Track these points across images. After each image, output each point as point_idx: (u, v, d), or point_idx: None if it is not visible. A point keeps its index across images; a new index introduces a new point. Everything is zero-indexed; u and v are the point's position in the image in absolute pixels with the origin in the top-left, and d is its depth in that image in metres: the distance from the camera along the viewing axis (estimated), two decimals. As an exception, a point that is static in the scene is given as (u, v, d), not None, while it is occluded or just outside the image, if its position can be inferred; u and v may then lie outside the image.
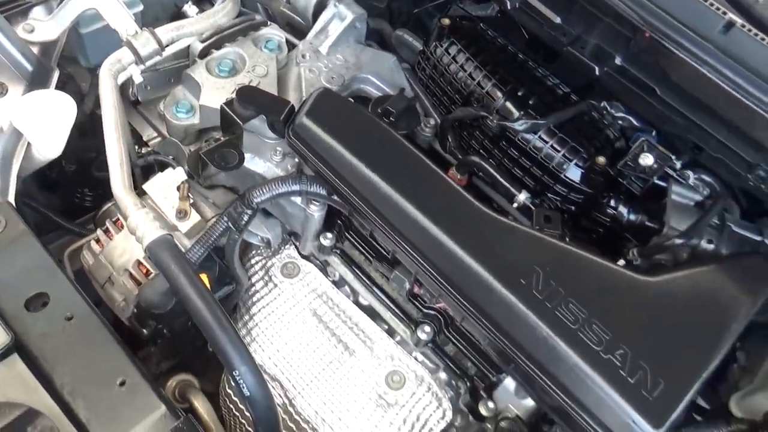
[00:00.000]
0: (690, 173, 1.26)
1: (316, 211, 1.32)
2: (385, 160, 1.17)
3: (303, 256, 1.47)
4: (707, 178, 1.28)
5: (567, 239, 1.12)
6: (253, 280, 1.45)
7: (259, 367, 1.01)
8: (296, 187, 1.24)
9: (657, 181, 1.31)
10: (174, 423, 0.89)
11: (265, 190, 1.22)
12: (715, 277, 1.08)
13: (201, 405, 1.38)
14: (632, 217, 1.30)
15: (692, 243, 1.23)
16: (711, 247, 1.22)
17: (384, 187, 1.13)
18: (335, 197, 1.25)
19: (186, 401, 1.34)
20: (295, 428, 1.32)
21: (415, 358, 1.38)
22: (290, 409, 1.33)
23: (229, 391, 1.41)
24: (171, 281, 1.02)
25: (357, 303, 1.45)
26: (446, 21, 1.39)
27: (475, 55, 1.36)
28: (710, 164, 1.28)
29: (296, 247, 1.47)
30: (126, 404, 0.93)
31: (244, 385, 0.96)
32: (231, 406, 1.41)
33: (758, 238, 1.27)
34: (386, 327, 1.42)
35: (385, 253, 1.27)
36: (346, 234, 1.38)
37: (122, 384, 0.93)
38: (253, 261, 1.48)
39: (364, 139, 1.19)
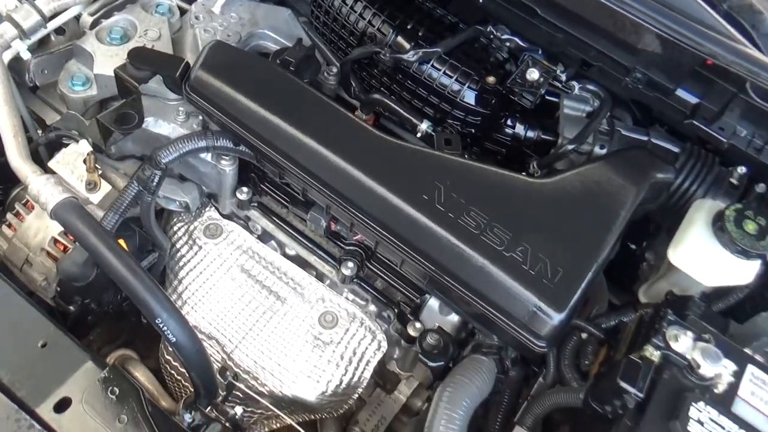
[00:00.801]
0: (575, 83, 1.33)
1: (228, 166, 1.34)
2: (283, 101, 1.19)
3: (225, 216, 1.49)
4: (592, 87, 1.35)
5: (466, 156, 1.18)
6: (178, 245, 1.46)
7: (182, 314, 1.03)
8: (202, 143, 1.25)
9: (550, 97, 1.39)
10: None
11: (171, 149, 1.23)
12: (601, 171, 1.16)
13: (141, 373, 1.39)
14: (530, 133, 1.37)
15: (585, 149, 1.32)
16: (603, 151, 1.30)
17: (286, 128, 1.16)
18: (243, 148, 1.27)
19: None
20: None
21: (347, 298, 1.43)
22: (229, 363, 1.36)
23: (168, 357, 1.43)
24: (81, 240, 1.03)
25: (285, 254, 1.48)
26: (332, -34, 1.42)
27: (364, -6, 1.39)
28: (594, 75, 1.36)
29: (217, 208, 1.49)
30: (51, 363, 0.94)
31: (169, 331, 0.98)
32: (172, 372, 1.43)
33: (645, 138, 1.37)
34: (315, 272, 1.46)
35: (298, 195, 1.30)
36: (261, 186, 1.40)
37: (44, 345, 0.94)
38: (175, 228, 1.49)
39: (262, 85, 1.21)
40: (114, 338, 1.61)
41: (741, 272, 1.14)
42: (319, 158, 1.14)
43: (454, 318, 1.27)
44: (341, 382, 1.36)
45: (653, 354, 0.97)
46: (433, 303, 1.27)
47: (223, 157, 1.33)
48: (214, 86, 1.21)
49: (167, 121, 1.33)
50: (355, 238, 1.29)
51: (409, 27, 1.34)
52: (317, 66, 1.44)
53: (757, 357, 1.06)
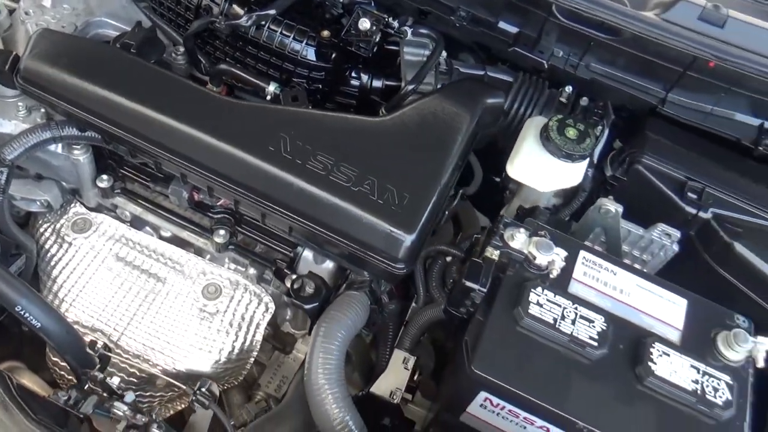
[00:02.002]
0: (407, 29, 1.41)
1: (81, 156, 1.33)
2: (120, 78, 1.20)
3: (92, 209, 1.47)
4: (425, 31, 1.44)
5: (309, 107, 1.24)
6: (47, 246, 1.44)
7: (43, 298, 1.02)
8: (47, 134, 1.24)
9: (392, 47, 1.47)
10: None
11: (15, 145, 1.21)
12: (435, 102, 1.25)
13: (29, 379, 1.37)
14: (375, 82, 1.44)
15: (428, 90, 1.40)
16: (444, 89, 1.40)
17: (126, 104, 1.17)
18: (90, 133, 1.27)
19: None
20: (128, 367, 1.36)
21: (229, 268, 1.46)
22: (118, 350, 1.36)
23: (54, 358, 1.41)
24: None
25: (161, 237, 1.49)
26: (158, -56, 1.43)
27: (193, -31, 1.41)
28: (432, 22, 1.44)
29: (82, 203, 1.47)
30: None
31: (31, 317, 0.98)
32: (62, 373, 1.41)
33: (482, 72, 1.48)
34: (193, 249, 1.47)
35: (156, 172, 1.32)
36: (121, 171, 1.40)
37: None
38: (42, 228, 1.46)
39: (96, 66, 1.21)
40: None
41: (570, 174, 1.27)
42: (164, 128, 1.16)
43: (329, 265, 1.33)
44: (234, 348, 1.39)
45: (493, 254, 1.07)
46: (307, 254, 1.33)
47: (74, 146, 1.32)
48: (47, 74, 1.20)
49: (8, 119, 1.30)
50: (219, 204, 1.32)
51: (240, -7, 1.37)
52: (162, 47, 1.44)
53: (589, 245, 1.19)
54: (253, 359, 1.44)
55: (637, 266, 1.22)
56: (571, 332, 1.00)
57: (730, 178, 1.29)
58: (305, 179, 1.12)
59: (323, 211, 1.12)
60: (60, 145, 1.31)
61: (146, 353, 1.36)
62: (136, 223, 1.49)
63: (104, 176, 1.39)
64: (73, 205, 1.48)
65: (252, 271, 1.42)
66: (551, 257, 1.07)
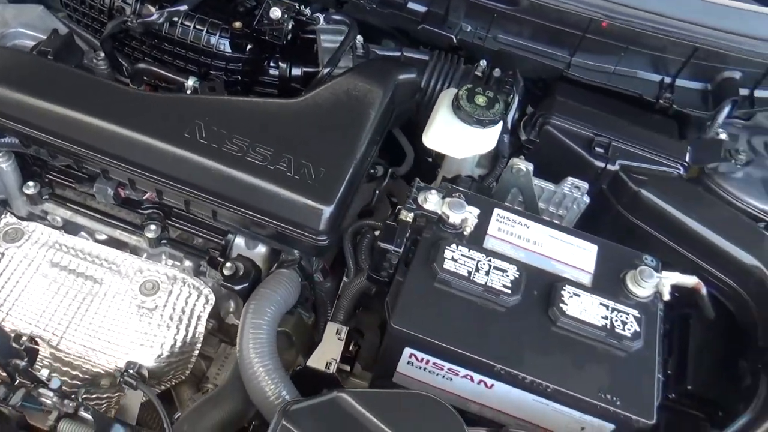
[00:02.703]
0: (319, 16, 1.46)
1: (3, 163, 1.33)
2: (33, 81, 1.22)
3: (23, 218, 1.47)
4: (338, 17, 1.49)
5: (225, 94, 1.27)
6: (-21, 259, 1.43)
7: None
8: (-37, 145, 1.25)
9: (309, 35, 1.51)
10: None
11: (-71, 158, 1.22)
12: (348, 81, 1.29)
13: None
14: (294, 70, 1.48)
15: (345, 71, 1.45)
16: (363, 71, 1.44)
17: (39, 103, 1.19)
18: (7, 138, 1.27)
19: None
20: (70, 369, 1.36)
21: (166, 264, 1.47)
22: (58, 354, 1.36)
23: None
24: None
25: (97, 240, 1.50)
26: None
27: (103, -28, 1.43)
28: (349, 10, 1.49)
29: (13, 213, 1.47)
30: None
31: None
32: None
33: (398, 53, 1.53)
34: (129, 249, 1.48)
35: (79, 172, 1.33)
36: (48, 176, 1.41)
37: None
38: (-29, 243, 1.45)
39: (8, 71, 1.23)
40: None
41: (483, 140, 1.32)
42: (80, 125, 1.18)
43: (262, 249, 1.36)
44: (176, 342, 1.40)
45: (407, 216, 1.11)
46: (239, 240, 1.35)
47: (-5, 154, 1.32)
48: (-43, 83, 1.20)
49: None
50: (146, 198, 1.33)
51: (151, -8, 1.40)
52: (80, 52, 1.46)
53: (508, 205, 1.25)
54: (197, 352, 1.45)
55: (555, 222, 1.28)
56: (485, 282, 1.05)
57: (634, 132, 1.36)
58: (221, 161, 1.15)
59: (242, 191, 1.15)
60: (-19, 155, 1.31)
61: (87, 355, 1.36)
62: (70, 227, 1.49)
63: (30, 183, 1.40)
64: (3, 216, 1.47)
65: (188, 263, 1.43)
66: (464, 215, 1.12)
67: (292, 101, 1.25)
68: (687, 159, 1.33)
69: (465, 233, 1.12)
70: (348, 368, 1.24)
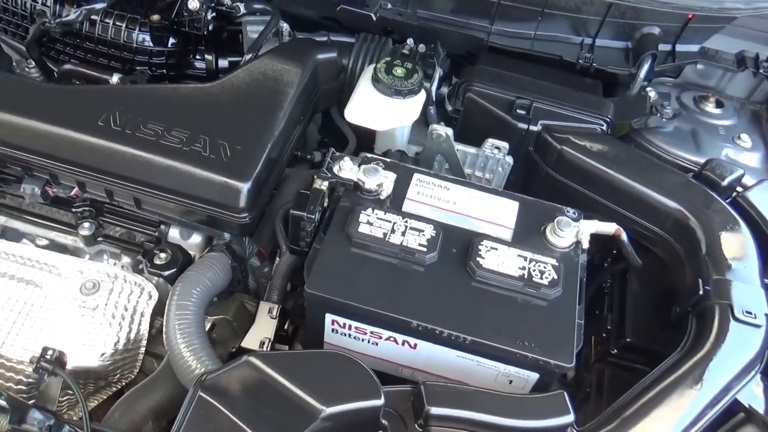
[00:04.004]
0: (240, 5, 1.47)
1: (-70, 172, 1.33)
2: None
3: (-41, 229, 1.47)
4: (259, 6, 1.50)
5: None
6: None
7: None
8: None
9: (235, 26, 1.52)
10: None
11: None
12: (265, 62, 1.30)
13: None
14: (221, 61, 1.49)
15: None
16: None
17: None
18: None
19: None
20: (14, 375, 1.35)
21: (107, 263, 1.47)
22: (0, 360, 1.36)
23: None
24: None
25: (38, 246, 1.50)
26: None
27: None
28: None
29: (-51, 224, 1.47)
30: None
31: None
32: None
33: (325, 38, 1.54)
34: (68, 251, 1.48)
35: (5, 174, 1.33)
36: (-22, 182, 1.41)
37: None
38: None
39: None
40: None
41: (404, 111, 1.33)
42: (-4, 122, 1.18)
43: (197, 238, 1.36)
44: (119, 339, 1.38)
45: (321, 184, 1.11)
46: (173, 231, 1.35)
47: None
48: None
49: None
50: (72, 194, 1.33)
51: (68, -8, 1.41)
52: (7, 59, 1.47)
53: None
54: (143, 350, 1.45)
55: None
56: (401, 243, 1.05)
57: (555, 92, 1.37)
58: (136, 147, 1.15)
59: (159, 174, 1.15)
60: None
61: (29, 357, 1.35)
62: (10, 234, 1.49)
63: (-41, 190, 1.40)
64: (-63, 228, 1.47)
65: (126, 259, 1.43)
66: (379, 180, 1.12)
67: (208, 85, 1.26)
68: (609, 115, 1.34)
69: (381, 197, 1.12)
70: (286, 348, 1.24)
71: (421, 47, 1.49)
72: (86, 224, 1.38)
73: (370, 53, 1.49)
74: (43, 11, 1.42)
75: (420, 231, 1.07)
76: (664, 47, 1.46)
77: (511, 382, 1.04)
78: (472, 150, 1.31)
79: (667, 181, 1.23)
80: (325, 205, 1.12)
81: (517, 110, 1.33)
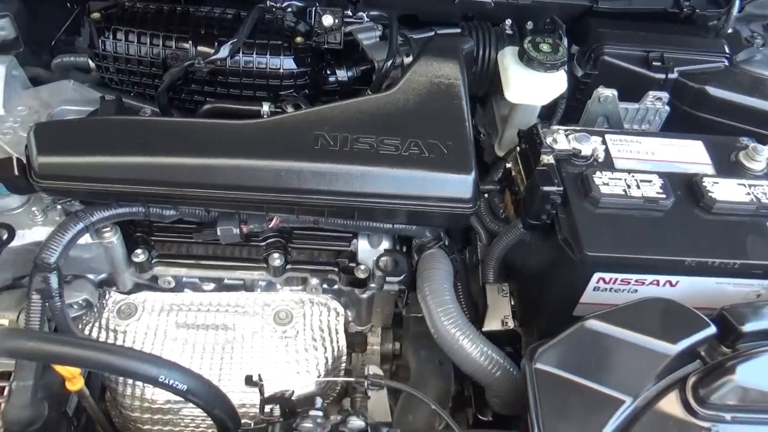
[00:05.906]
0: (363, 14, 1.50)
1: (112, 236, 1.29)
2: (136, 139, 1.20)
3: (128, 292, 1.43)
4: (375, 13, 1.53)
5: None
6: (100, 345, 1.37)
7: (173, 361, 1.01)
8: (80, 225, 1.20)
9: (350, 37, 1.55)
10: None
11: (53, 246, 1.17)
12: (427, 63, 1.34)
13: None
14: (349, 73, 1.52)
15: (398, 61, 1.50)
16: (410, 58, 1.50)
17: (153, 160, 1.17)
18: (121, 209, 1.24)
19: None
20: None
21: (282, 290, 1.48)
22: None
23: None
24: (40, 357, 0.95)
25: (205, 291, 1.47)
26: (96, 15, 1.41)
27: (142, 27, 1.41)
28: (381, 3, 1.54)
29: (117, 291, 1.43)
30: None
31: (175, 382, 0.97)
32: None
33: (432, 33, 1.59)
34: (243, 288, 1.47)
35: (196, 222, 1.31)
36: (152, 238, 1.38)
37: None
38: (87, 331, 1.39)
39: (106, 137, 1.20)
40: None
41: (558, 82, 1.42)
42: (209, 170, 1.17)
43: (385, 244, 1.39)
44: (327, 360, 1.41)
45: (549, 159, 1.18)
46: (363, 243, 1.38)
47: (104, 231, 1.28)
48: (64, 163, 1.16)
49: (28, 228, 1.24)
50: (270, 226, 1.33)
51: (203, 33, 1.39)
52: (131, 112, 1.43)
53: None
54: (344, 365, 1.47)
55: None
56: (642, 194, 1.14)
57: (675, 40, 1.50)
58: (359, 162, 1.17)
59: (387, 182, 1.18)
60: (88, 234, 1.26)
61: (250, 400, 1.35)
62: (179, 286, 1.46)
63: (138, 250, 1.36)
64: (108, 296, 1.42)
65: (314, 281, 1.44)
66: (593, 145, 1.21)
67: (388, 93, 1.29)
68: (728, 52, 1.48)
69: (599, 161, 1.21)
70: (517, 323, 1.30)
71: (529, 24, 1.58)
72: (275, 255, 1.38)
73: (482, 39, 1.56)
74: (177, 55, 1.40)
75: (649, 182, 1.17)
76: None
77: (759, 295, 1.16)
78: (633, 105, 1.41)
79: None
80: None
81: (654, 62, 1.44)
